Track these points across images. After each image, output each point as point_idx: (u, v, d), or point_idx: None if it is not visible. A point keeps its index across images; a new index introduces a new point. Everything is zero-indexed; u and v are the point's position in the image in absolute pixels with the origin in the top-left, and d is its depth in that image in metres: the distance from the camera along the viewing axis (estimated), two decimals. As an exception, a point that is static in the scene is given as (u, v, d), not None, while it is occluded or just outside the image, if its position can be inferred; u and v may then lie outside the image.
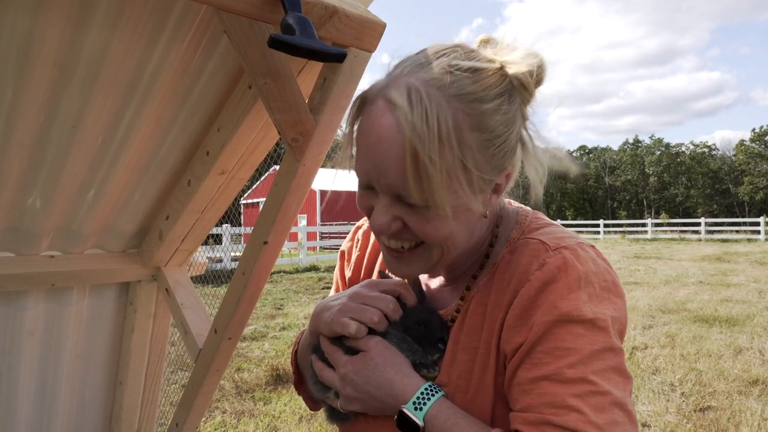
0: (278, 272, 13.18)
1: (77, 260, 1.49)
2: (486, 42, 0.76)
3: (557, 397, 0.65)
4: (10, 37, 0.93)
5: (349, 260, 1.03)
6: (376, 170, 0.69)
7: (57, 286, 1.48)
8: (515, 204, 0.89)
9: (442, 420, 0.71)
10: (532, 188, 0.77)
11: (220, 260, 11.84)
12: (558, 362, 0.66)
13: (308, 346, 0.91)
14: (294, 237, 16.45)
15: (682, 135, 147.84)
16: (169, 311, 1.68)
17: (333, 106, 0.98)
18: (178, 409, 1.52)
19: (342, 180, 0.87)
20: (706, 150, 70.27)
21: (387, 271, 0.93)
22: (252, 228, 1.17)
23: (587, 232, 32.57)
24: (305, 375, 0.94)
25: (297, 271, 13.63)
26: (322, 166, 1.08)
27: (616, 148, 79.56)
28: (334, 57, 0.80)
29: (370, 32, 0.95)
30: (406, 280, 0.86)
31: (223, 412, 4.03)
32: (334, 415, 0.87)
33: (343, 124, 0.76)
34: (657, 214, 63.28)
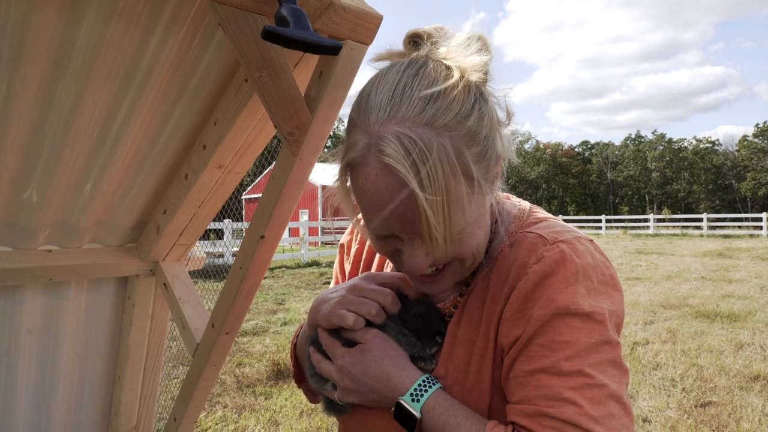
0: (280, 267, 13.20)
1: (75, 254, 1.48)
2: (418, 39, 0.73)
3: (554, 390, 0.65)
4: (2, 29, 0.92)
5: (348, 253, 1.03)
6: (397, 224, 0.68)
7: (55, 281, 1.48)
8: (514, 198, 0.89)
9: (439, 411, 0.71)
10: (504, 160, 0.76)
11: (222, 255, 11.86)
12: (555, 355, 0.67)
13: (307, 338, 0.91)
14: (296, 232, 16.47)
15: (685, 130, 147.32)
16: (167, 306, 1.67)
17: (329, 100, 0.97)
18: (176, 404, 1.52)
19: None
20: (708, 145, 70.03)
21: (386, 265, 0.92)
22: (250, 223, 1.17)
23: (589, 227, 32.52)
24: (304, 368, 0.94)
25: (298, 266, 13.65)
26: (318, 161, 1.07)
27: (618, 143, 79.40)
28: (329, 50, 0.79)
29: (367, 24, 0.94)
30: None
31: (224, 407, 4.04)
32: (331, 407, 0.87)
33: (336, 171, 0.73)
34: (659, 210, 63.21)
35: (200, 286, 6.61)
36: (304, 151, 1.00)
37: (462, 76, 0.68)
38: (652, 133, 74.88)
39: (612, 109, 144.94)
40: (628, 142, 76.48)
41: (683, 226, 30.81)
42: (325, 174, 0.77)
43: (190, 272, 1.67)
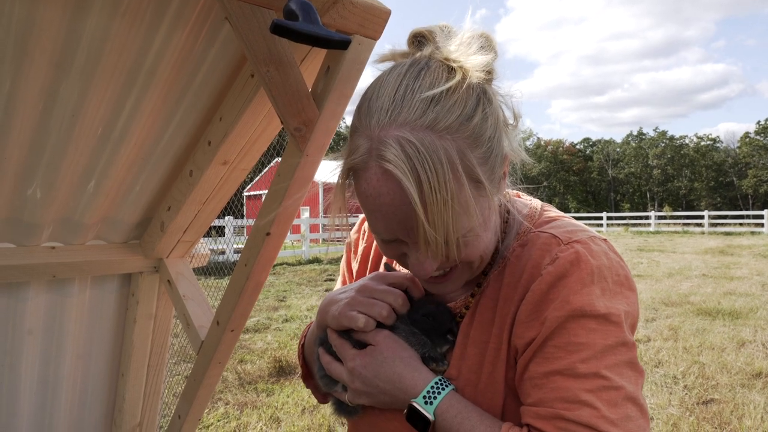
0: (281, 264, 13.20)
1: (78, 251, 1.48)
2: (421, 38, 0.72)
3: (570, 392, 0.65)
4: (7, 24, 0.91)
5: (356, 252, 1.02)
6: (400, 229, 0.67)
7: (58, 278, 1.47)
8: (525, 196, 0.87)
9: (452, 414, 0.70)
10: (511, 159, 0.75)
11: (223, 252, 11.85)
12: (571, 357, 0.66)
13: (315, 339, 0.90)
14: (297, 229, 16.47)
15: (687, 127, 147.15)
16: (171, 303, 1.67)
17: (337, 95, 0.96)
18: (181, 401, 1.52)
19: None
20: (709, 143, 69.91)
21: (394, 264, 0.91)
22: (255, 220, 1.16)
23: (590, 224, 32.48)
24: (312, 368, 0.93)
25: (300, 263, 13.65)
26: (326, 157, 1.06)
27: (619, 140, 79.23)
28: (337, 44, 0.78)
29: (375, 19, 0.93)
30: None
31: (226, 404, 4.04)
32: (341, 409, 0.86)
33: (338, 168, 0.72)
34: (660, 207, 63.14)
35: (202, 283, 6.61)
36: (310, 147, 0.99)
37: (464, 77, 0.66)
38: (654, 130, 74.80)
39: (613, 106, 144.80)
40: (630, 139, 76.38)
41: (684, 224, 30.79)
42: (327, 171, 0.77)
43: (193, 269, 1.67)
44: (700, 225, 28.71)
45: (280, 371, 4.73)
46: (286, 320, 6.84)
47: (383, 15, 0.93)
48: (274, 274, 11.51)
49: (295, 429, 3.57)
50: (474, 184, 0.65)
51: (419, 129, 0.62)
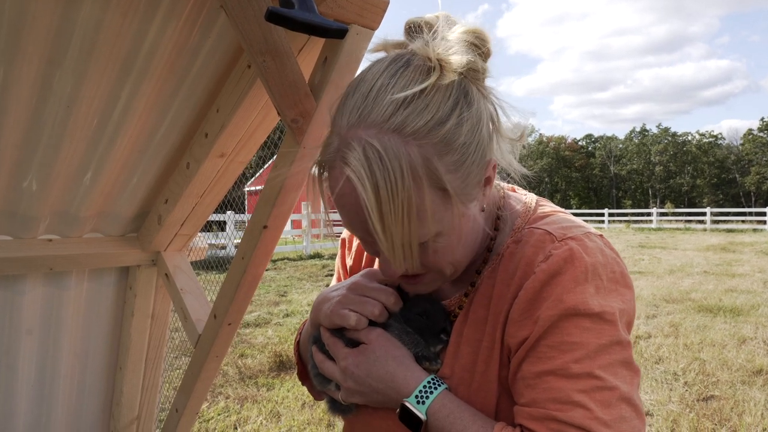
0: (282, 259, 13.22)
1: (76, 244, 1.47)
2: (416, 29, 0.70)
3: (562, 393, 0.63)
4: (0, 15, 0.90)
5: (350, 248, 1.00)
6: (363, 231, 0.66)
7: (55, 270, 1.46)
8: (519, 190, 0.86)
9: (445, 414, 0.69)
10: (507, 164, 0.74)
11: (224, 247, 11.86)
12: (564, 357, 0.64)
13: (309, 337, 0.89)
14: (298, 224, 16.47)
15: (690, 124, 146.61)
16: (168, 296, 1.66)
17: (334, 87, 0.95)
18: (178, 395, 1.52)
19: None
20: (711, 140, 69.71)
21: None
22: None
23: (592, 221, 32.46)
24: (308, 366, 0.92)
25: (301, 258, 13.66)
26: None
27: (622, 137, 79.08)
28: (334, 33, 0.77)
29: (373, 9, 0.91)
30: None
31: (227, 398, 4.05)
32: (336, 407, 0.85)
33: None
34: (662, 204, 63.05)
35: (203, 277, 6.61)
36: (308, 139, 0.98)
37: (441, 78, 0.63)
38: (657, 126, 74.60)
39: (616, 103, 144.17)
40: (633, 135, 76.20)
41: (686, 221, 30.73)
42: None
43: (192, 263, 1.66)
44: (702, 222, 28.66)
45: (281, 366, 4.73)
46: (287, 315, 6.84)
47: (382, 4, 0.92)
48: (275, 269, 11.53)
49: (295, 423, 3.58)
50: (439, 192, 0.63)
51: (385, 132, 0.61)
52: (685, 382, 4.28)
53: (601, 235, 0.74)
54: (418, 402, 0.70)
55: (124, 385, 1.73)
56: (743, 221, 27.88)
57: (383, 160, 0.60)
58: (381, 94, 0.63)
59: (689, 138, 71.22)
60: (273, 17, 0.71)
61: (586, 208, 61.30)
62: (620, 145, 75.93)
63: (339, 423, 3.60)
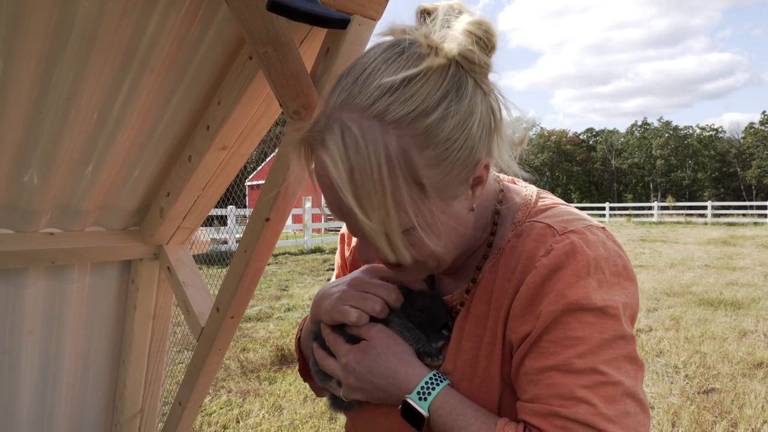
0: (283, 254, 13.23)
1: (77, 238, 1.47)
2: (426, 15, 0.68)
3: (566, 388, 0.63)
4: None
5: (349, 243, 1.00)
6: (338, 213, 0.67)
7: (57, 264, 1.46)
8: (520, 183, 0.85)
9: (447, 410, 0.69)
10: (507, 167, 0.73)
11: (226, 242, 11.87)
12: (567, 352, 0.64)
13: (309, 333, 0.89)
14: (299, 219, 16.46)
15: (692, 117, 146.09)
16: (171, 289, 1.66)
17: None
18: (181, 388, 1.52)
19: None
20: (712, 133, 69.47)
21: None
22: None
23: (593, 215, 32.42)
24: (309, 362, 0.92)
25: (302, 252, 13.67)
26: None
27: (623, 130, 78.77)
28: (337, 23, 0.76)
29: (375, -1, 0.90)
30: None
31: (229, 392, 4.06)
32: (337, 404, 0.84)
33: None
34: (663, 198, 62.97)
35: (204, 271, 6.62)
36: (310, 130, 0.97)
37: (430, 68, 0.61)
38: (658, 120, 74.32)
39: (617, 96, 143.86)
40: (634, 129, 75.95)
41: (687, 214, 30.71)
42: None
43: (194, 257, 1.66)
44: (703, 216, 28.64)
45: (283, 360, 4.75)
46: (288, 309, 6.86)
47: (384, -6, 0.91)
48: (277, 263, 11.54)
49: (297, 417, 3.59)
50: (415, 186, 0.62)
51: (367, 117, 0.60)
52: (686, 375, 4.29)
53: (603, 228, 0.73)
54: (420, 398, 0.70)
55: (127, 378, 1.73)
56: (744, 215, 27.87)
57: (359, 146, 0.59)
58: (370, 79, 0.62)
59: (690, 131, 70.99)
60: (275, 7, 0.71)
61: (587, 202, 61.23)
62: (621, 139, 75.72)
63: (341, 417, 3.62)
